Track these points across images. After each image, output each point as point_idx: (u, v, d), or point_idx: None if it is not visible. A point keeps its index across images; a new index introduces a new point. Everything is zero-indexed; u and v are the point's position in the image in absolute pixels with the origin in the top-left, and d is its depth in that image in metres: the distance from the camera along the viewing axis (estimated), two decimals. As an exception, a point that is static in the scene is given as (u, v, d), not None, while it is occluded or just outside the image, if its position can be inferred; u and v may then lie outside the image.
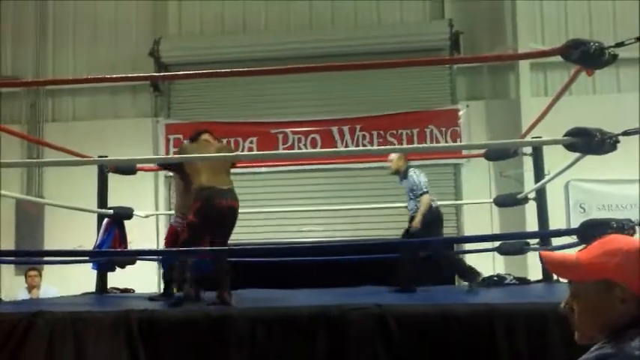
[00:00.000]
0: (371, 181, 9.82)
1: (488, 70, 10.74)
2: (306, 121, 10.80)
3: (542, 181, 6.41)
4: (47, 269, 9.33)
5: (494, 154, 7.31)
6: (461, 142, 10.35)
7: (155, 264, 9.85)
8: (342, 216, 9.90)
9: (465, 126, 10.53)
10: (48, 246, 10.38)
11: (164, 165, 6.99)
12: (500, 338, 3.22)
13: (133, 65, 11.10)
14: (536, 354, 3.17)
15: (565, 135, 4.23)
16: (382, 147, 10.04)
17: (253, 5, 11.41)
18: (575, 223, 7.28)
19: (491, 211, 9.24)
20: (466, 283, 6.30)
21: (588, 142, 4.06)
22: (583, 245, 1.71)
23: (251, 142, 10.81)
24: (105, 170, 6.79)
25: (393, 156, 6.44)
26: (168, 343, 3.47)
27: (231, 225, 5.15)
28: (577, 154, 4.45)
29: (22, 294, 8.73)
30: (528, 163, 7.62)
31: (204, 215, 4.93)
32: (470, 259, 9.69)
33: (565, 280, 1.69)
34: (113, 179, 6.92)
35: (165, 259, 6.09)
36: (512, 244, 6.75)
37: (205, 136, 5.49)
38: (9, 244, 10.22)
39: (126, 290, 6.95)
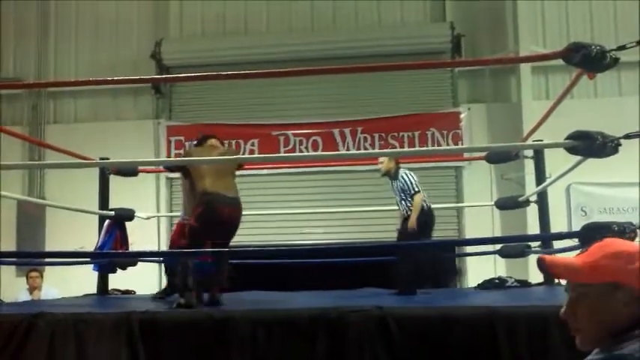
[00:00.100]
0: (372, 184, 9.78)
1: (489, 73, 10.74)
2: (307, 124, 10.81)
3: (544, 184, 6.41)
4: (48, 270, 9.33)
5: (496, 157, 7.31)
6: (462, 144, 10.35)
7: (156, 266, 9.86)
8: (343, 218, 9.89)
9: (466, 129, 10.54)
10: (49, 247, 10.39)
11: (169, 168, 6.93)
12: (502, 341, 3.21)
13: (134, 67, 11.12)
14: (538, 357, 3.16)
15: (566, 138, 4.23)
16: (384, 150, 10.03)
17: (255, 7, 11.42)
18: (576, 227, 7.30)
19: (493, 213, 9.24)
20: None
21: (590, 145, 4.06)
22: (581, 249, 1.71)
23: (252, 145, 10.82)
24: (106, 172, 6.79)
25: (384, 158, 6.45)
26: (169, 345, 3.47)
27: (232, 232, 5.14)
28: (578, 157, 4.46)
29: (24, 295, 8.73)
30: (530, 166, 7.62)
31: (206, 221, 4.91)
32: (471, 262, 9.78)
33: (563, 283, 1.69)
34: (115, 181, 6.92)
35: (169, 259, 6.06)
36: (513, 246, 6.74)
37: (212, 141, 5.45)
38: (10, 246, 10.23)
39: (127, 292, 6.96)
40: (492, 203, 7.86)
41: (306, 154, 10.43)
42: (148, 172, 8.30)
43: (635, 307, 1.52)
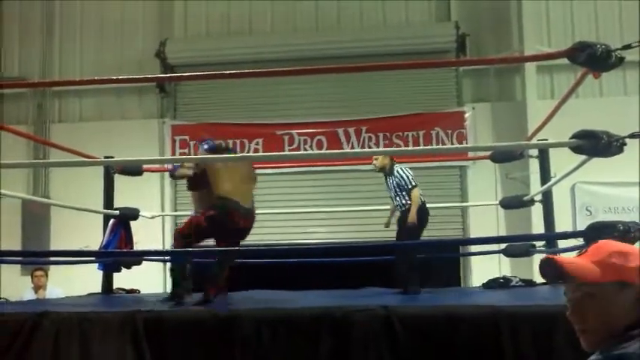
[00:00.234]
0: (376, 183, 9.76)
1: (494, 73, 10.74)
2: (311, 123, 10.82)
3: (549, 184, 6.39)
4: (53, 270, 9.35)
5: (500, 157, 7.29)
6: (467, 144, 10.34)
7: (161, 265, 9.86)
8: (347, 217, 9.89)
9: (470, 128, 10.54)
10: (54, 246, 10.42)
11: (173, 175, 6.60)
12: (506, 340, 3.21)
13: (139, 66, 11.13)
14: (543, 356, 3.16)
15: (571, 137, 4.21)
16: (388, 149, 10.04)
17: (259, 7, 11.42)
18: (581, 226, 7.26)
19: (497, 213, 9.24)
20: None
21: (595, 144, 4.04)
22: (579, 251, 1.71)
23: (257, 144, 10.83)
24: (111, 171, 6.79)
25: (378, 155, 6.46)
26: (174, 344, 3.47)
27: (240, 240, 5.13)
28: (583, 157, 4.44)
29: (29, 294, 8.75)
30: (534, 165, 7.61)
31: (216, 225, 4.88)
32: (476, 261, 9.77)
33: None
34: (119, 180, 6.92)
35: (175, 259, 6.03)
36: (518, 246, 6.72)
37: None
38: (15, 245, 10.25)
39: (132, 291, 6.96)
40: (497, 202, 7.85)
41: (310, 152, 10.44)
42: (153, 171, 8.30)
43: (639, 305, 1.53)
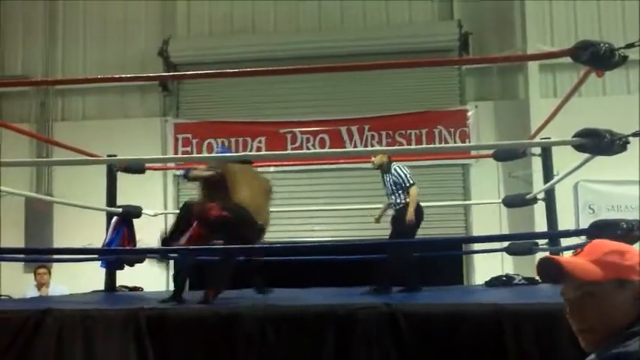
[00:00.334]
0: (379, 181, 9.79)
1: (497, 71, 10.75)
2: (314, 121, 10.82)
3: (551, 182, 6.40)
4: (56, 267, 9.36)
5: (503, 155, 7.30)
6: (469, 142, 10.34)
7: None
8: (350, 216, 9.88)
9: (473, 126, 10.53)
10: (57, 244, 10.44)
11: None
12: (509, 338, 3.21)
13: (142, 65, 11.14)
14: (545, 354, 3.16)
15: (574, 136, 4.21)
16: (391, 147, 10.04)
17: (262, 5, 11.42)
18: (584, 224, 7.27)
19: (500, 211, 9.23)
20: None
21: (598, 142, 4.04)
22: (574, 251, 1.71)
23: (259, 142, 10.83)
24: (114, 169, 6.81)
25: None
26: (176, 341, 3.48)
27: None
28: (586, 155, 4.44)
29: (31, 292, 8.76)
30: (537, 163, 7.61)
31: (225, 229, 4.85)
32: (479, 259, 9.76)
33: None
34: (122, 178, 6.94)
35: (182, 259, 5.99)
36: (520, 244, 6.74)
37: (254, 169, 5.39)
38: (18, 242, 10.29)
39: (134, 288, 6.97)
40: (500, 201, 7.85)
41: (313, 151, 10.44)
42: (156, 169, 8.32)
43: (638, 304, 1.53)
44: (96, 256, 6.69)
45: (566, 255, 1.66)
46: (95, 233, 7.07)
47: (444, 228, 10.09)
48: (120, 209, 6.63)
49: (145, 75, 9.92)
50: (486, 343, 3.25)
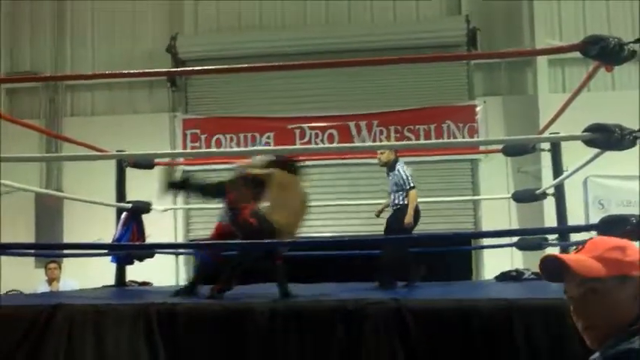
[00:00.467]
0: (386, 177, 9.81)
1: (505, 66, 10.72)
2: (323, 117, 10.82)
3: (561, 177, 6.38)
4: (67, 262, 9.40)
5: (512, 150, 7.28)
6: (478, 137, 10.33)
7: (173, 258, 9.91)
8: (357, 211, 9.87)
9: (482, 122, 10.52)
10: (67, 239, 10.47)
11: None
12: (519, 333, 3.21)
13: (150, 61, 11.15)
14: (555, 349, 3.16)
15: (584, 131, 4.20)
16: (399, 142, 10.02)
17: (270, 1, 11.41)
18: (593, 220, 7.24)
19: (509, 206, 9.22)
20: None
21: (607, 138, 4.03)
22: (575, 248, 1.71)
23: (268, 137, 10.84)
24: (123, 164, 6.83)
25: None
26: (186, 336, 3.49)
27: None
28: (596, 150, 4.43)
29: (42, 287, 8.81)
30: (546, 159, 7.58)
31: (252, 238, 4.77)
32: (488, 255, 9.76)
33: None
34: (131, 173, 6.95)
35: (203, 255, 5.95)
36: (530, 239, 6.73)
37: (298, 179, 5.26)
38: (29, 237, 10.34)
39: (144, 283, 7.00)
40: (509, 196, 7.84)
41: (322, 146, 10.44)
42: (165, 164, 8.31)
43: None
44: (106, 251, 6.71)
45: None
46: (105, 228, 7.11)
47: (453, 223, 10.09)
48: (129, 205, 6.65)
49: (153, 70, 9.93)
50: (496, 338, 3.25)
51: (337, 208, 10.00)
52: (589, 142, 4.19)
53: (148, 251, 6.69)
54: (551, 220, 7.32)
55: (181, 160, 9.91)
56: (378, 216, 6.72)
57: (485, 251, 9.78)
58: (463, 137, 10.45)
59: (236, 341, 3.44)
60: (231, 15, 11.50)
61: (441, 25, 10.90)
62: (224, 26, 11.52)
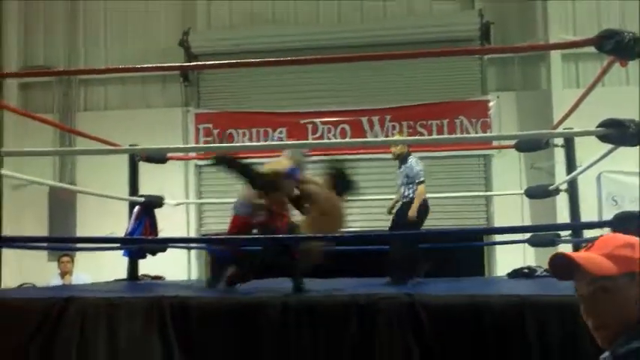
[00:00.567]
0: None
1: (519, 61, 10.68)
2: (335, 112, 10.81)
3: (574, 173, 6.34)
4: (80, 256, 9.45)
5: (525, 146, 7.25)
6: (491, 133, 10.29)
7: (185, 252, 9.95)
8: (369, 206, 9.85)
9: (495, 117, 10.48)
10: (80, 233, 10.54)
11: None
12: (531, 329, 3.20)
13: (163, 55, 11.15)
14: (568, 346, 3.15)
15: (598, 126, 4.17)
16: (412, 137, 10.00)
17: (282, -1, 11.44)
18: (607, 216, 7.21)
19: (522, 202, 9.19)
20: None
21: (622, 133, 3.99)
22: (585, 245, 1.69)
23: (280, 132, 10.85)
24: (136, 159, 6.85)
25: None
26: (199, 329, 3.50)
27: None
28: (610, 146, 4.40)
29: (55, 280, 8.86)
30: (560, 154, 7.56)
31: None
32: (500, 251, 9.72)
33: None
34: (144, 168, 6.98)
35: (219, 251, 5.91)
36: (543, 235, 6.70)
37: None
38: (42, 230, 10.41)
39: (157, 277, 7.02)
40: (522, 192, 7.81)
41: (334, 141, 10.43)
42: (177, 159, 8.36)
43: None
44: (118, 245, 6.74)
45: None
46: (117, 222, 7.13)
47: (465, 219, 10.08)
48: (142, 199, 6.68)
49: (166, 65, 9.92)
50: (508, 334, 3.24)
51: (349, 203, 9.96)
52: (603, 138, 4.16)
53: (161, 245, 6.72)
54: (564, 216, 7.28)
55: (194, 154, 9.94)
56: (389, 212, 6.71)
57: (498, 248, 9.75)
58: (476, 132, 10.41)
59: (249, 335, 3.44)
60: (243, 10, 11.50)
61: (454, 19, 10.87)
62: (236, 21, 11.53)
